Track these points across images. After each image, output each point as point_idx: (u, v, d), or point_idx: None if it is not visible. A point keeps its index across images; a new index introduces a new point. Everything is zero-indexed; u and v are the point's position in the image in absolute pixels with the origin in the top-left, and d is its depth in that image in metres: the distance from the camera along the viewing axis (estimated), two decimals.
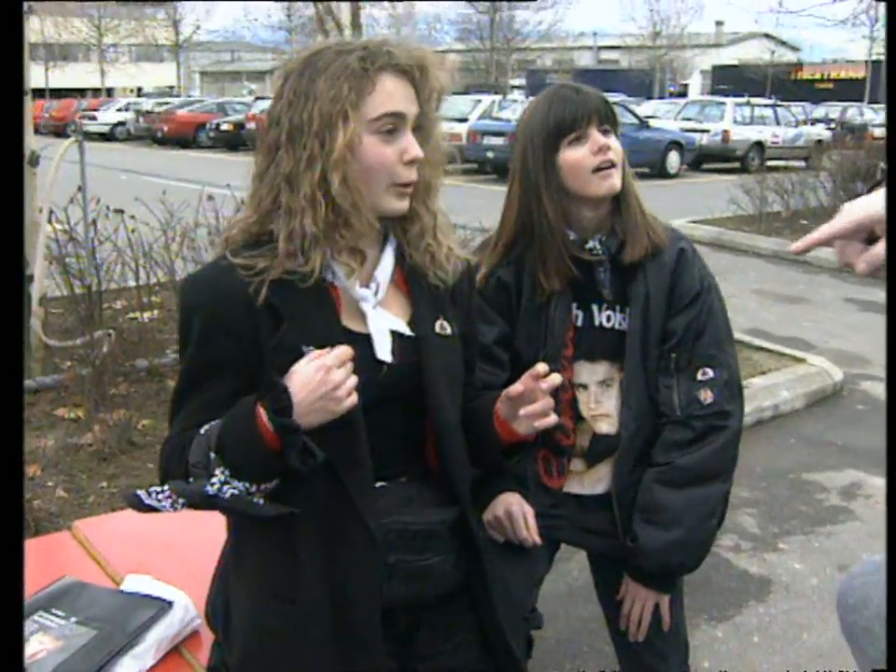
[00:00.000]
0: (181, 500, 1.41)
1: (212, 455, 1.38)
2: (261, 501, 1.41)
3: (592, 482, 2.08)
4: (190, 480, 1.40)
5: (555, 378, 1.54)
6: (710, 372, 1.97)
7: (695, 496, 1.96)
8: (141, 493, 1.42)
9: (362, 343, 1.48)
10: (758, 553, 3.76)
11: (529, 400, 1.56)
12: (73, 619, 1.69)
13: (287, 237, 1.44)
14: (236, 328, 1.43)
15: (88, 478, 4.01)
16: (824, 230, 1.17)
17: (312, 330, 1.44)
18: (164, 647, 1.65)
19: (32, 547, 2.26)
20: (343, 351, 1.37)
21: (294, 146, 1.43)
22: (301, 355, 1.41)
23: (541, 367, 1.54)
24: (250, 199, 1.52)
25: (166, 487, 1.42)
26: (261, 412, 1.36)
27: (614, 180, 1.92)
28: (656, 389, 2.00)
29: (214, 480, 1.38)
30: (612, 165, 1.91)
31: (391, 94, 1.44)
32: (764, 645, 3.11)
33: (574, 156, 1.91)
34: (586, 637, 3.13)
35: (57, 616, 1.70)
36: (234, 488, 1.38)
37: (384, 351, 1.50)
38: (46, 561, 2.08)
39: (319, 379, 1.35)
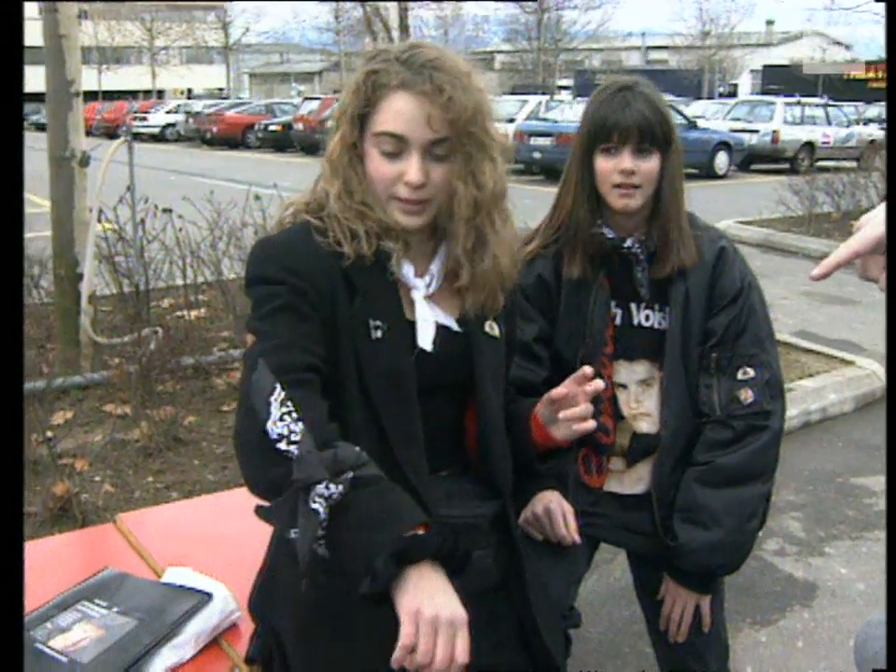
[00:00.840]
0: (292, 445, 1.27)
1: (341, 485, 1.23)
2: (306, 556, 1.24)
3: (632, 481, 2.07)
4: (296, 469, 1.25)
5: (599, 383, 1.55)
6: (751, 372, 1.95)
7: (735, 496, 1.94)
8: (274, 404, 1.31)
9: (410, 330, 1.52)
10: (803, 558, 3.71)
11: (570, 404, 1.56)
12: (115, 609, 1.71)
13: (331, 218, 1.49)
14: (315, 283, 1.45)
15: (134, 473, 4.06)
16: (843, 251, 1.12)
17: (379, 307, 1.48)
18: (203, 639, 1.66)
19: (76, 538, 2.31)
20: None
21: (330, 136, 1.53)
22: (369, 328, 1.46)
23: (587, 370, 1.54)
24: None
25: (298, 433, 1.28)
26: (419, 532, 1.23)
27: (630, 201, 1.92)
28: (697, 389, 1.99)
29: (315, 502, 1.23)
30: (634, 187, 1.91)
31: (397, 114, 1.44)
32: (809, 651, 3.06)
33: (603, 165, 1.93)
34: (628, 638, 3.11)
35: (99, 606, 1.72)
36: (316, 527, 1.23)
37: (425, 340, 1.52)
38: (89, 552, 2.12)
39: (446, 620, 1.19)
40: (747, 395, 1.95)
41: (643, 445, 2.04)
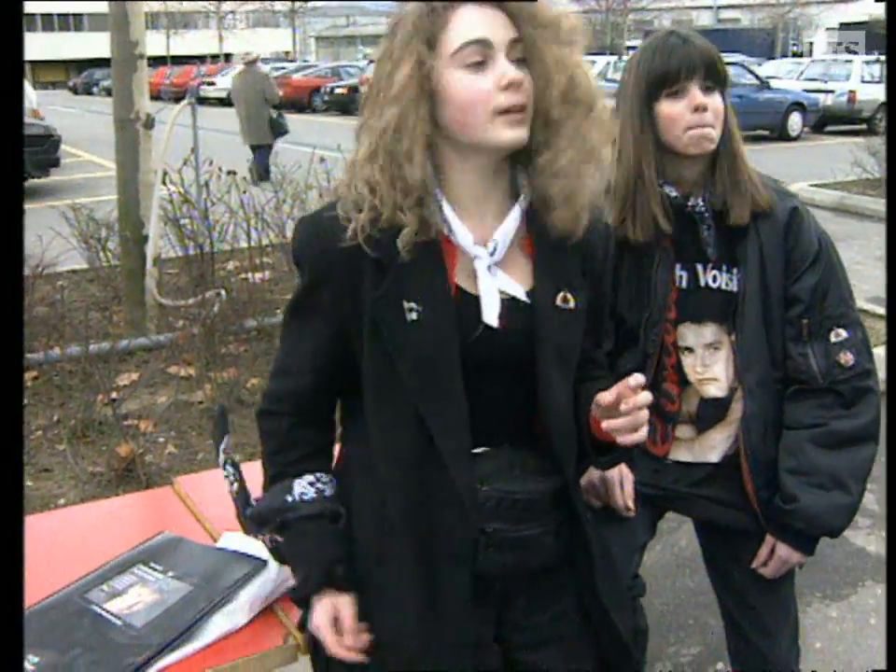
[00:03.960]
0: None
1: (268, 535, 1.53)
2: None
3: (703, 449, 1.99)
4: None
5: (645, 397, 1.35)
6: (844, 333, 1.88)
7: (855, 458, 1.89)
8: (226, 447, 1.58)
9: (472, 303, 1.42)
10: (876, 531, 3.60)
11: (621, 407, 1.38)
12: (170, 573, 1.70)
13: (369, 191, 1.39)
14: (338, 279, 1.40)
15: (197, 435, 4.10)
16: None
17: (417, 286, 1.39)
18: (258, 605, 1.64)
19: (135, 500, 2.32)
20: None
21: (369, 101, 1.41)
22: (402, 311, 1.38)
23: (636, 380, 1.34)
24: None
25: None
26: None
27: (707, 141, 1.82)
28: (781, 354, 1.91)
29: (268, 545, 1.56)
30: (709, 126, 1.81)
31: (472, 23, 1.36)
32: (882, 627, 2.96)
33: (670, 110, 1.82)
34: (692, 609, 3.05)
35: (155, 570, 1.71)
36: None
37: (491, 314, 1.43)
38: (148, 515, 2.12)
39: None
40: (847, 358, 1.88)
41: (713, 410, 1.96)
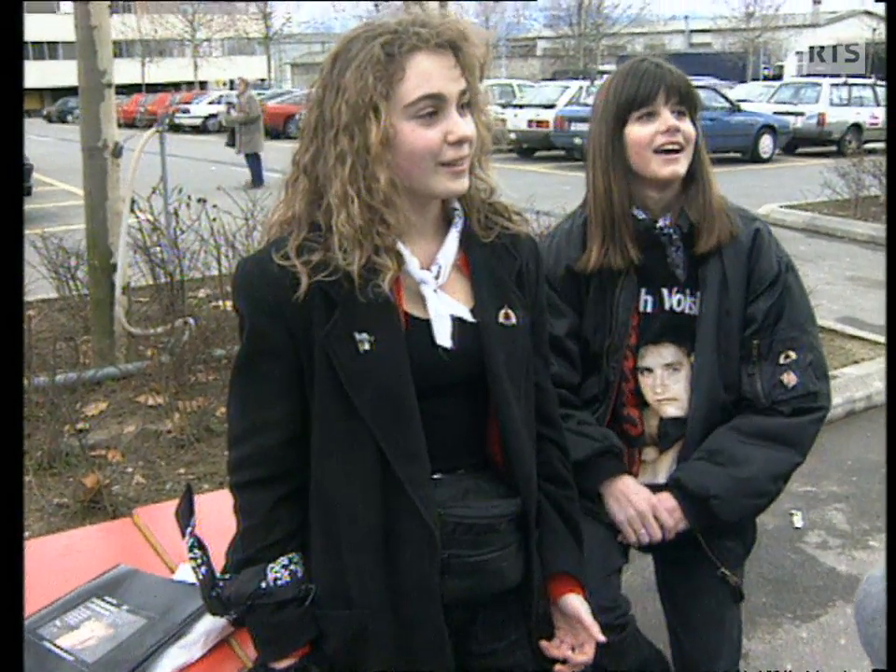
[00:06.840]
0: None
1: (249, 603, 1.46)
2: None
3: (664, 470, 1.99)
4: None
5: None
6: (793, 355, 1.89)
7: (768, 453, 1.87)
8: (193, 529, 1.55)
9: (422, 328, 1.43)
10: (847, 551, 3.60)
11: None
12: (124, 607, 1.68)
13: (330, 233, 1.38)
14: (285, 316, 1.39)
15: (166, 464, 4.06)
16: None
17: (367, 316, 1.39)
18: (213, 638, 1.62)
19: (94, 533, 2.29)
20: None
21: (324, 140, 1.38)
22: (354, 342, 1.37)
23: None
24: (284, 184, 1.48)
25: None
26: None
27: (678, 165, 1.84)
28: (737, 377, 1.91)
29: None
30: (679, 149, 1.83)
31: (427, 75, 1.35)
32: (852, 648, 2.96)
33: (640, 133, 1.84)
34: (663, 632, 3.01)
35: (109, 604, 1.69)
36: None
37: (443, 336, 1.43)
38: (107, 547, 2.09)
39: None
40: (790, 378, 1.87)
41: (673, 430, 1.97)
